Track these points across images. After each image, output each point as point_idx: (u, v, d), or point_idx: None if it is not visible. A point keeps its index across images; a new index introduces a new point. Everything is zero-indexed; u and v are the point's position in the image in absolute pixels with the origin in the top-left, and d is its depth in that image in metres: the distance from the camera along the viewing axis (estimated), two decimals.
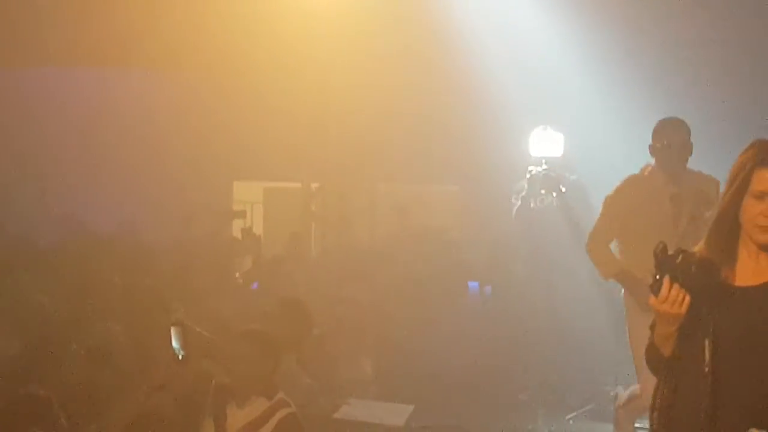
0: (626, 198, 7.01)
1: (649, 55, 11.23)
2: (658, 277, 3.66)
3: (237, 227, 13.40)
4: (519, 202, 9.62)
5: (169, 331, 5.97)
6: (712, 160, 6.45)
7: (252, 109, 13.23)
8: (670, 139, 6.81)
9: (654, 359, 3.87)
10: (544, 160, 9.41)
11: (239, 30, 12.48)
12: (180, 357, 5.91)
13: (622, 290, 6.98)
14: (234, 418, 5.72)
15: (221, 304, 8.36)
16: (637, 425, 7.32)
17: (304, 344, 7.05)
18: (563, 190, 9.33)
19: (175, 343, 5.91)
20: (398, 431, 7.43)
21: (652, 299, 3.69)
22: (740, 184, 3.76)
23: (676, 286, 3.65)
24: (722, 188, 3.93)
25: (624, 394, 7.31)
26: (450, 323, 10.17)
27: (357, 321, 9.18)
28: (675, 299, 3.66)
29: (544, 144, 9.43)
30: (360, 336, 8.85)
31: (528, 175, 9.55)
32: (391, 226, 13.65)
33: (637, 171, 7.08)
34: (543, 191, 9.38)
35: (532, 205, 9.38)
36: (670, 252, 3.66)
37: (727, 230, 3.81)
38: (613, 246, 7.05)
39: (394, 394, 8.06)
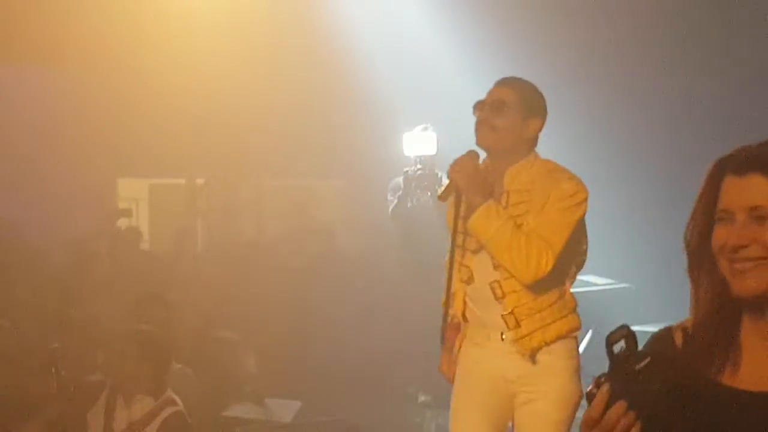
0: None
1: (528, 52, 11.37)
2: (602, 380, 2.33)
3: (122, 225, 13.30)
4: (395, 201, 9.64)
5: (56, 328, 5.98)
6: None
7: (135, 105, 13.10)
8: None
9: None
10: (418, 160, 9.35)
11: (123, 24, 12.37)
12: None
13: None
14: (120, 417, 5.71)
15: (108, 305, 8.31)
16: None
17: (188, 345, 7.06)
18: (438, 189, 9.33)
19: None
20: (286, 428, 7.47)
21: (584, 416, 2.34)
22: (705, 208, 2.56)
23: (620, 406, 2.28)
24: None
25: None
26: (335, 318, 10.23)
27: (242, 318, 9.18)
28: (611, 427, 2.27)
29: (418, 143, 9.35)
30: (245, 333, 8.84)
31: (403, 174, 9.51)
32: (277, 221, 13.65)
33: None
34: (419, 190, 9.42)
35: (408, 204, 9.44)
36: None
37: (717, 293, 2.52)
38: None
39: (281, 390, 8.08)
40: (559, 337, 4.89)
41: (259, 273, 10.72)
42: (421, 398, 8.52)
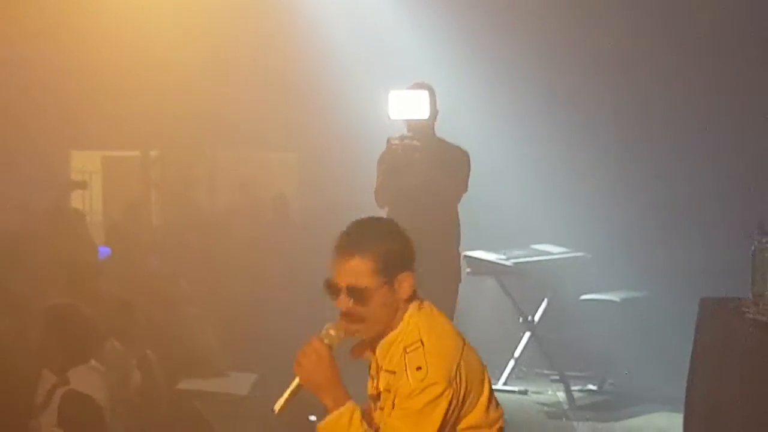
0: None
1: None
2: None
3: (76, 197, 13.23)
4: (379, 179, 7.84)
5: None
6: None
7: (88, 76, 12.99)
8: None
9: None
10: (406, 125, 7.60)
11: None
12: None
13: None
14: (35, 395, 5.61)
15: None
16: None
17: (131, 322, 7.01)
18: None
19: None
20: (242, 400, 7.47)
21: None
22: None
23: None
24: None
25: None
26: (291, 291, 10.23)
27: (199, 290, 9.16)
28: None
29: (406, 106, 7.48)
30: (203, 305, 8.83)
31: (387, 145, 7.62)
32: (231, 194, 13.62)
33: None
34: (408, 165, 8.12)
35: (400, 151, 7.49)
36: None
37: None
38: None
39: (237, 362, 8.08)
40: None
41: (214, 245, 10.69)
42: None
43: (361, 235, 3.80)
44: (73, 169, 14.69)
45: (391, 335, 3.83)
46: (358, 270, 3.73)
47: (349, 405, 3.77)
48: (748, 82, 10.39)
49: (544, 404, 9.42)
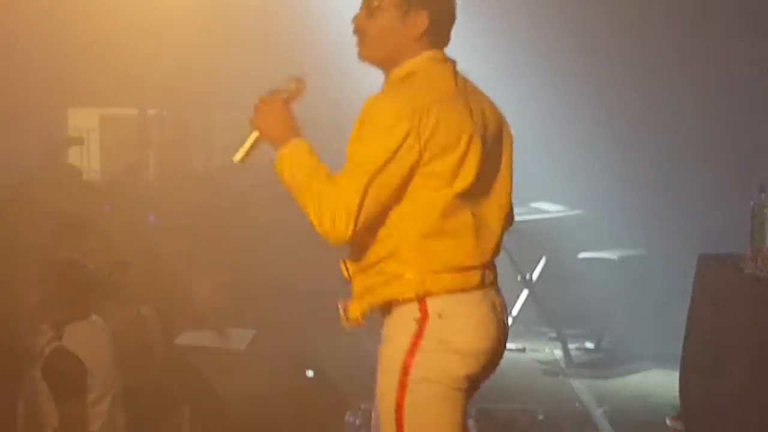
0: None
1: None
2: None
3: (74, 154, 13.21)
4: None
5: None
6: None
7: (86, 34, 12.93)
8: None
9: None
10: None
11: None
12: None
13: None
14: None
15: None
16: None
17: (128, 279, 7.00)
18: None
19: None
20: (240, 355, 7.48)
21: None
22: None
23: None
24: None
25: None
26: (290, 248, 10.24)
27: (196, 248, 9.15)
28: None
29: None
30: (199, 262, 8.83)
31: None
32: (228, 154, 13.59)
33: None
34: None
35: None
36: None
37: None
38: None
39: (236, 319, 8.09)
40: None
41: (212, 204, 10.68)
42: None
43: None
44: (71, 127, 14.65)
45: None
46: None
47: (298, 138, 3.89)
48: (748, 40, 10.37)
49: (541, 362, 9.45)
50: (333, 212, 3.59)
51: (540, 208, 10.04)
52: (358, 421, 7.44)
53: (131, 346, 6.77)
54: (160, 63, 12.94)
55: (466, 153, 3.71)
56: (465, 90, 3.89)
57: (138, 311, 6.94)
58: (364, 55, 3.92)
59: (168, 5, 12.46)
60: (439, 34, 3.88)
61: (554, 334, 9.75)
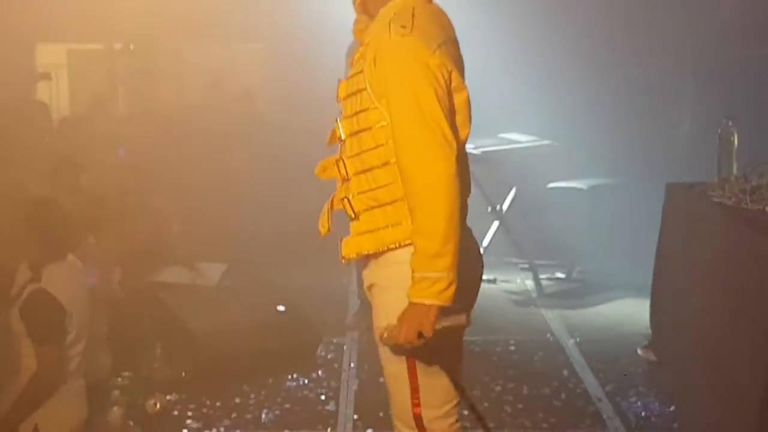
0: None
1: None
2: None
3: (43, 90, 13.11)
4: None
5: None
6: None
7: None
8: None
9: None
10: None
11: None
12: None
13: None
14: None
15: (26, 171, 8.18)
16: None
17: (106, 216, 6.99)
18: None
19: None
20: (212, 290, 7.48)
21: None
22: None
23: None
24: None
25: None
26: (260, 184, 10.23)
27: (165, 184, 9.10)
28: None
29: None
30: (168, 198, 8.78)
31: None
32: (198, 86, 13.51)
33: None
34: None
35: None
36: None
37: None
38: None
39: (207, 254, 8.08)
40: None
41: (181, 138, 10.63)
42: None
43: None
44: (39, 63, 14.53)
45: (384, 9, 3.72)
46: None
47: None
48: None
49: (512, 292, 9.48)
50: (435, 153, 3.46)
51: (510, 139, 10.03)
52: (330, 355, 7.49)
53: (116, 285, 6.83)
54: None
55: (467, 100, 3.69)
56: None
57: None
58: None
59: None
60: None
61: (525, 265, 9.77)
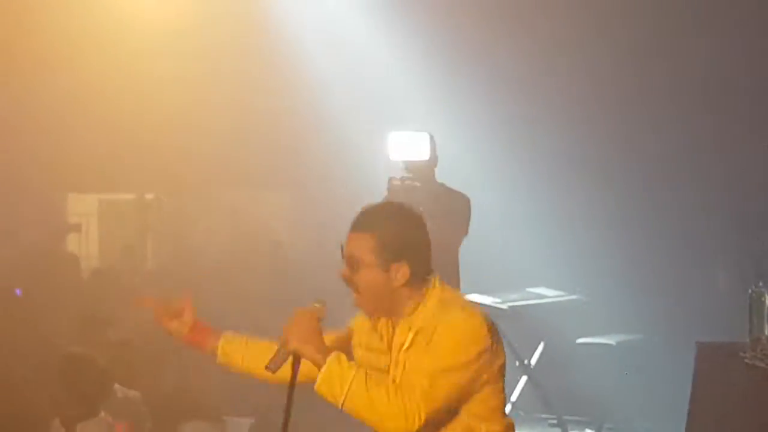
0: None
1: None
2: None
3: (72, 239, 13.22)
4: None
5: None
6: None
7: (84, 118, 13.01)
8: None
9: None
10: (405, 166, 7.79)
11: (70, 38, 12.34)
12: None
13: None
14: None
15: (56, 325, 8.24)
16: None
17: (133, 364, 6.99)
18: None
19: None
20: None
21: None
22: None
23: None
24: None
25: None
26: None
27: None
28: None
29: (407, 147, 7.74)
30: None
31: (388, 184, 7.86)
32: (226, 235, 13.60)
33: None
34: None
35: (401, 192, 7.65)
36: None
37: None
38: None
39: (234, 408, 8.04)
40: None
41: (210, 291, 10.66)
42: None
43: (370, 215, 4.00)
44: (70, 212, 14.70)
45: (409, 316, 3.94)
46: (359, 244, 3.92)
47: (334, 353, 3.83)
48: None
49: None
50: (403, 410, 3.73)
51: (538, 293, 10.03)
52: None
53: None
54: (157, 146, 12.98)
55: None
56: None
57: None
58: (363, 307, 4.04)
59: (159, 89, 12.55)
60: (422, 269, 3.99)
61: (555, 421, 9.69)
